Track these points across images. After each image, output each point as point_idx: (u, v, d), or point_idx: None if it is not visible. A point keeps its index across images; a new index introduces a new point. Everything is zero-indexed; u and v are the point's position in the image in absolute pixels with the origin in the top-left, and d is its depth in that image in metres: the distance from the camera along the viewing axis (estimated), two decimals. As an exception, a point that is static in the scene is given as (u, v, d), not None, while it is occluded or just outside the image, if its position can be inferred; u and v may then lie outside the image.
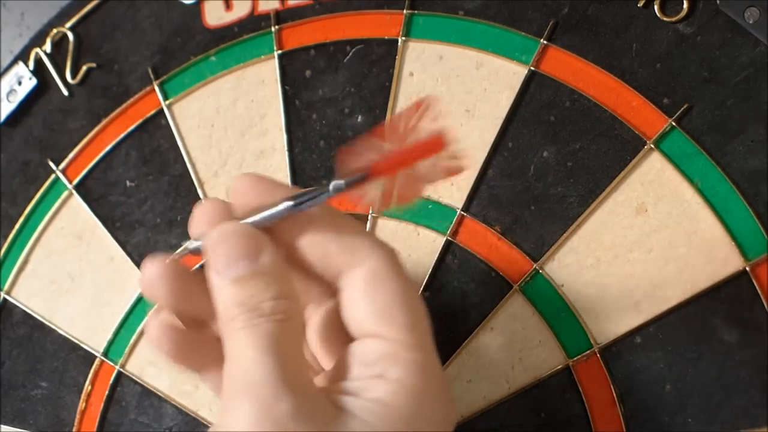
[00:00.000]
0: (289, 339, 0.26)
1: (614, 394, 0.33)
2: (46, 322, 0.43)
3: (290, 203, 0.27)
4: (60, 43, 0.45)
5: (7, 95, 0.45)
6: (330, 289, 0.29)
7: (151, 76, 0.42)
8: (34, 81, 0.45)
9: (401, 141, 0.28)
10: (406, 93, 0.37)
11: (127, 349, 0.41)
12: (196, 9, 0.42)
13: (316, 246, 0.27)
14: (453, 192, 0.36)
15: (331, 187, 0.27)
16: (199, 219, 0.28)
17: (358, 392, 0.26)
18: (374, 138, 0.29)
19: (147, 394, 0.41)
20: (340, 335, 0.29)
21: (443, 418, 0.27)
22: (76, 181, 0.43)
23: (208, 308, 0.28)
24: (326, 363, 0.30)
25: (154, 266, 0.28)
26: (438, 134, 0.27)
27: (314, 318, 0.31)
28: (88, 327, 0.42)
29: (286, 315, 0.26)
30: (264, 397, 0.24)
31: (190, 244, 0.29)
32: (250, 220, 0.27)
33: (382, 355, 0.26)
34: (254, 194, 0.28)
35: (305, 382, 0.25)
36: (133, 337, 0.41)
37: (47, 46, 0.45)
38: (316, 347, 0.30)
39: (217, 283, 0.27)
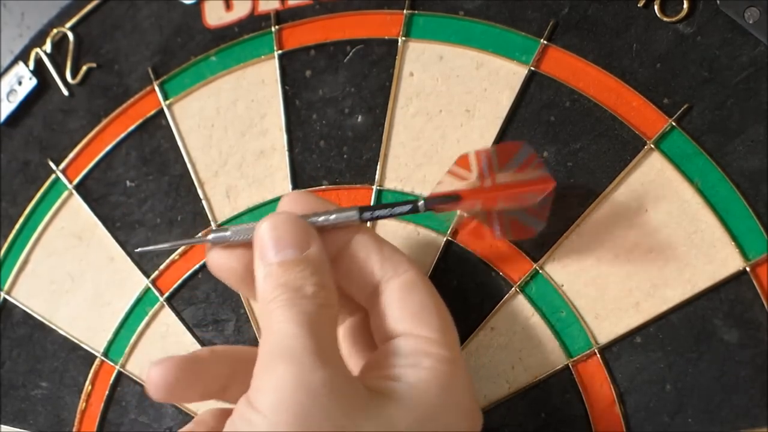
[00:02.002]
0: (327, 323, 0.27)
1: (614, 394, 0.33)
2: (46, 322, 0.43)
3: (357, 211, 0.30)
4: (60, 43, 0.45)
5: (7, 95, 0.45)
6: (351, 306, 0.32)
7: (151, 76, 0.42)
8: (34, 81, 0.45)
9: (493, 175, 0.30)
10: (406, 93, 0.37)
11: (127, 349, 0.41)
12: (196, 9, 0.42)
13: (359, 255, 0.29)
14: (453, 192, 0.36)
15: (421, 202, 0.29)
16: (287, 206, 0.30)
17: (393, 378, 0.27)
18: (461, 168, 0.30)
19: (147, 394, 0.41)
20: (363, 345, 0.32)
21: (470, 410, 0.28)
22: (76, 181, 0.43)
23: (218, 386, 0.30)
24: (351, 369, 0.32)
25: (161, 371, 0.29)
26: (546, 178, 0.29)
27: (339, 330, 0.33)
28: (88, 327, 0.42)
29: (326, 302, 0.27)
30: (301, 365, 0.25)
31: (213, 235, 0.30)
32: (313, 220, 0.29)
33: (416, 350, 0.28)
34: (302, 208, 0.30)
35: (340, 362, 0.27)
36: (133, 337, 0.41)
37: (47, 46, 0.45)
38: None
39: (263, 266, 0.28)
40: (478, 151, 0.31)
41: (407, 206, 0.30)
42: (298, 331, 0.26)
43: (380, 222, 0.37)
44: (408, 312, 0.28)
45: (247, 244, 0.29)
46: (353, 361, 0.32)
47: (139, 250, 0.33)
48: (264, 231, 0.28)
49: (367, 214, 0.29)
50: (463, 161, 0.31)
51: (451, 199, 0.30)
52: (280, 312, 0.26)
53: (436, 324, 0.28)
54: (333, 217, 0.29)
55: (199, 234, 0.30)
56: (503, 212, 0.31)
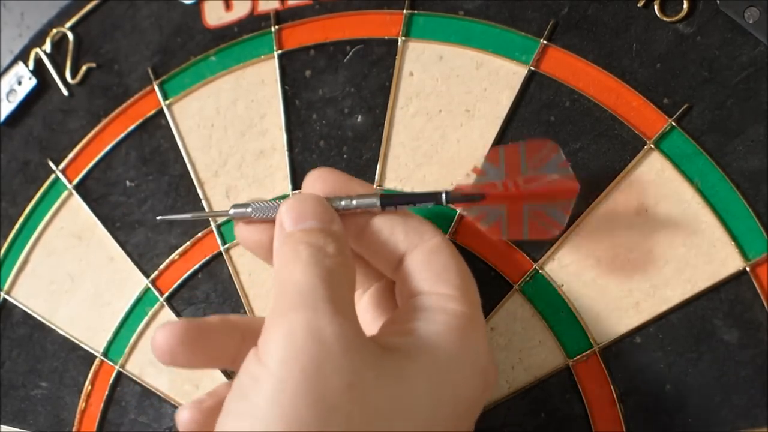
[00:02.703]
0: (346, 283, 0.27)
1: (614, 394, 0.33)
2: (46, 322, 0.43)
3: (378, 199, 0.30)
4: (60, 43, 0.45)
5: (7, 95, 0.45)
6: (374, 275, 0.32)
7: (151, 76, 0.42)
8: (34, 81, 0.45)
9: (518, 174, 0.30)
10: (406, 93, 0.37)
11: (127, 349, 0.41)
12: (196, 9, 0.42)
13: (384, 228, 0.30)
14: (453, 192, 0.36)
15: (444, 196, 0.29)
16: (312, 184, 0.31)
17: (405, 332, 0.27)
18: (490, 163, 0.30)
19: (147, 394, 0.41)
20: (384, 312, 0.32)
21: (484, 368, 0.28)
22: (76, 181, 0.43)
23: (224, 356, 0.29)
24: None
25: (166, 334, 0.28)
26: (572, 182, 0.29)
27: (360, 300, 0.33)
28: (88, 327, 0.42)
29: (345, 264, 0.27)
30: (315, 312, 0.24)
31: (233, 210, 0.30)
32: (335, 204, 0.30)
33: (432, 306, 0.28)
34: (327, 185, 0.30)
35: (354, 318, 0.26)
36: (133, 337, 0.41)
37: (47, 46, 0.45)
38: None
39: (283, 234, 0.28)
40: (507, 146, 0.31)
41: (429, 199, 0.30)
42: (317, 283, 0.25)
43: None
44: (430, 273, 0.29)
45: (271, 221, 0.30)
46: (375, 329, 0.32)
47: (160, 218, 0.35)
48: (286, 209, 0.29)
49: (388, 203, 0.29)
50: (493, 155, 0.31)
51: (475, 197, 0.30)
52: (301, 267, 0.26)
53: (456, 282, 0.28)
54: (354, 202, 0.30)
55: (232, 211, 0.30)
56: (523, 212, 0.31)
